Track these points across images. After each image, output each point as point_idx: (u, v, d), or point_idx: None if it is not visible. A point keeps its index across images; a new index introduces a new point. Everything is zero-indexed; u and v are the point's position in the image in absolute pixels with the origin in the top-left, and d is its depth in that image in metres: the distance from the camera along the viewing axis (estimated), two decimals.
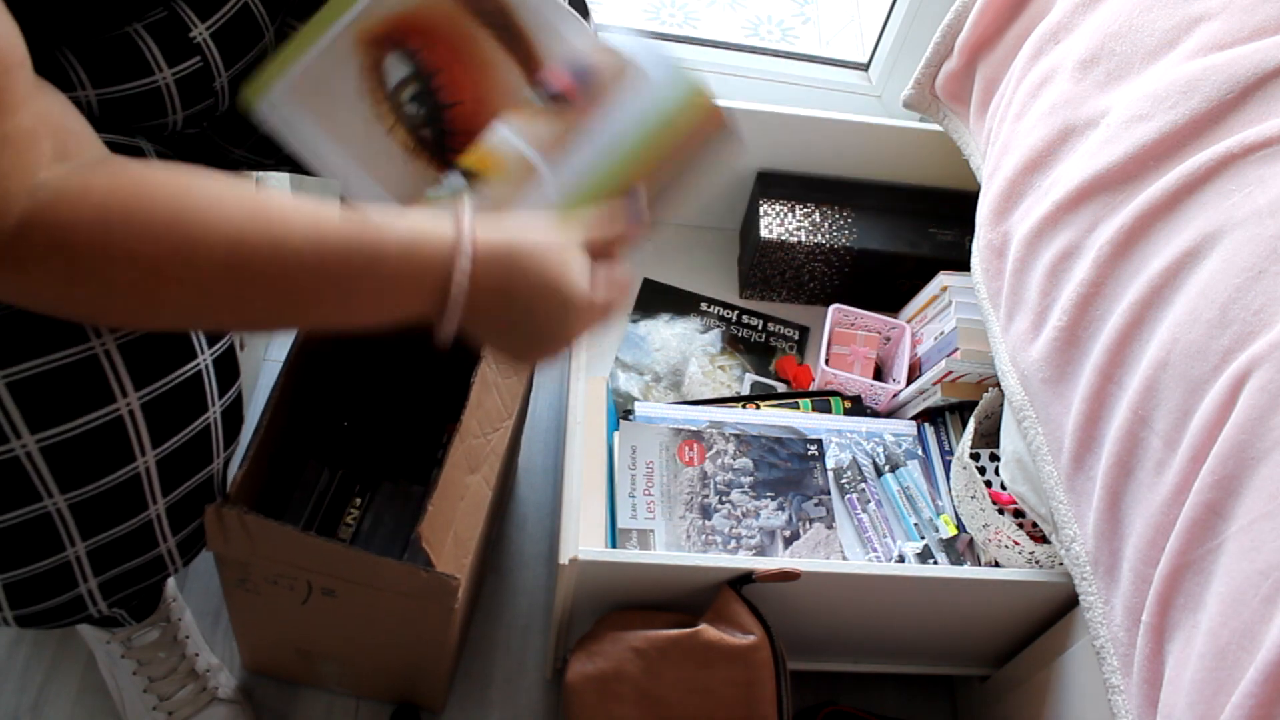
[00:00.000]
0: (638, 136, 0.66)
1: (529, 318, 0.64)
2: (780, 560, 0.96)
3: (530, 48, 0.67)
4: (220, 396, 0.75)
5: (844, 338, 1.31)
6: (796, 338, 1.38)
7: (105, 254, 0.57)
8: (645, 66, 0.67)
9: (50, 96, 0.59)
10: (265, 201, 0.60)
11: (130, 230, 0.57)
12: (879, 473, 1.17)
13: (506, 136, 0.66)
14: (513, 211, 0.64)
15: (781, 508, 1.10)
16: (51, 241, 0.56)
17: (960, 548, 1.11)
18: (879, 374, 1.32)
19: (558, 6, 0.67)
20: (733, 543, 1.06)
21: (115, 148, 0.64)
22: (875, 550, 1.11)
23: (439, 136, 0.68)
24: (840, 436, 1.19)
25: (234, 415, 0.78)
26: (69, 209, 0.56)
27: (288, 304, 0.61)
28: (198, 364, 0.71)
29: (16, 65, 0.55)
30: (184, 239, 0.57)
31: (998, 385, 1.12)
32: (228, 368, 0.76)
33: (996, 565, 1.04)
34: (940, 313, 1.24)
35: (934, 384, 1.20)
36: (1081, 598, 0.86)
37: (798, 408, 1.23)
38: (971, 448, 1.09)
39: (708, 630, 0.93)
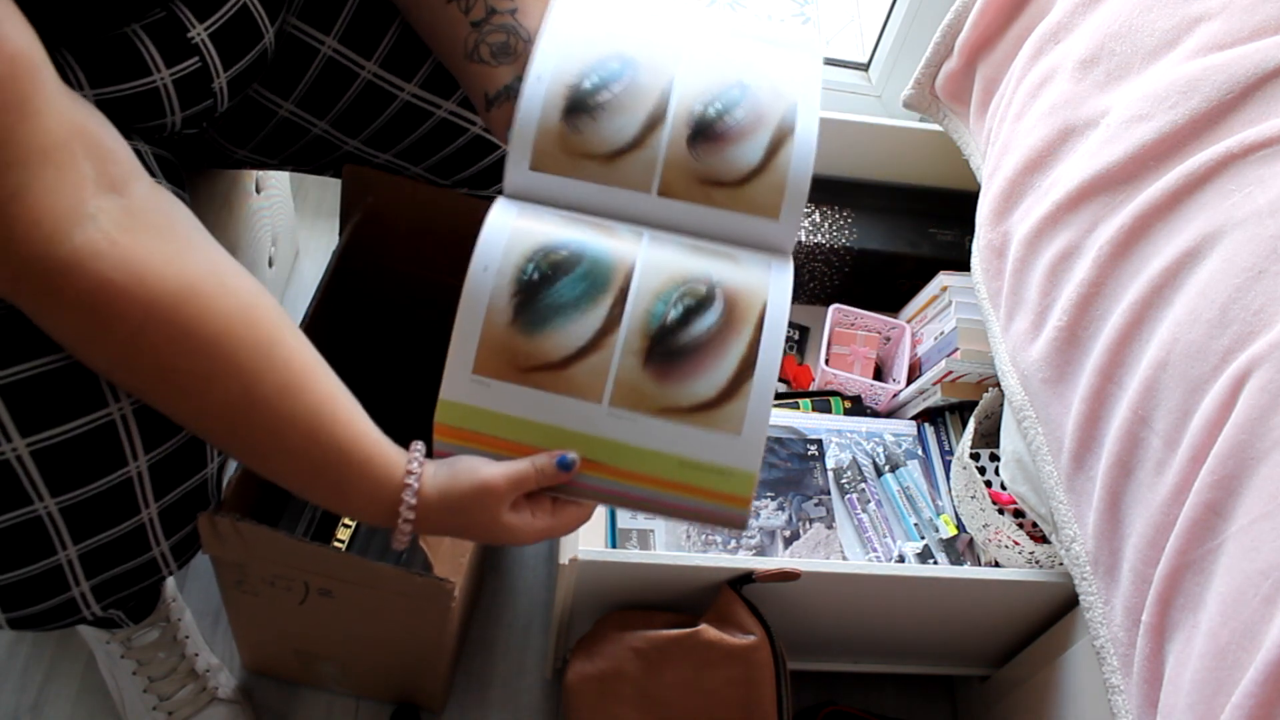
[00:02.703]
0: (681, 461, 0.68)
1: (473, 539, 0.72)
2: (780, 560, 0.96)
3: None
4: None
5: (844, 338, 1.31)
6: (796, 338, 1.38)
7: (136, 339, 0.60)
8: (750, 413, 0.68)
9: (82, 108, 0.59)
10: (289, 358, 0.65)
11: (164, 335, 0.60)
12: (879, 473, 1.17)
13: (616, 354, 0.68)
14: (460, 458, 0.69)
15: (781, 508, 1.10)
16: (94, 299, 0.58)
17: (960, 548, 1.11)
18: (879, 374, 1.32)
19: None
20: (733, 543, 1.06)
21: None
22: (875, 550, 1.11)
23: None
24: (840, 436, 1.19)
25: None
26: (122, 278, 0.58)
27: (262, 457, 0.67)
28: None
29: (40, 67, 0.55)
30: (208, 369, 0.62)
31: (998, 385, 1.12)
32: None
33: (996, 565, 1.04)
34: (940, 313, 1.24)
35: (934, 384, 1.20)
36: (1081, 598, 0.86)
37: (798, 408, 1.23)
38: (971, 448, 1.09)
39: (708, 630, 0.93)
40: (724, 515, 0.69)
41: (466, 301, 0.67)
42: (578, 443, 0.68)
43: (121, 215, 0.58)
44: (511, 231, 0.69)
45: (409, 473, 0.67)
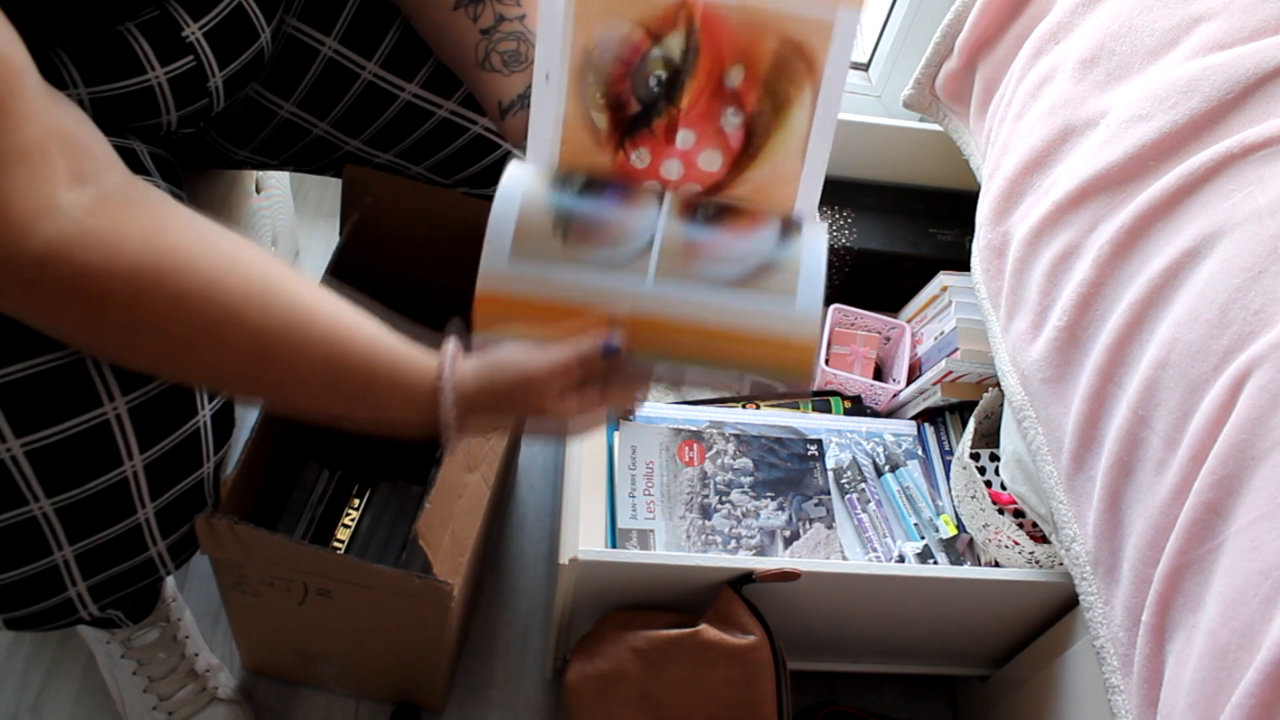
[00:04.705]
0: (737, 322, 0.65)
1: (520, 427, 0.69)
2: (780, 560, 0.96)
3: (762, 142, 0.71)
4: (210, 399, 0.75)
5: (844, 338, 1.31)
6: None
7: (130, 314, 0.59)
8: (802, 280, 0.66)
9: (63, 108, 0.59)
10: (291, 292, 0.63)
11: (159, 301, 0.59)
12: (879, 473, 1.17)
13: (657, 214, 0.68)
14: (501, 344, 0.67)
15: (781, 508, 1.10)
16: (77, 284, 0.57)
17: (960, 548, 1.11)
18: (879, 374, 1.32)
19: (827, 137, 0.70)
20: (733, 543, 1.06)
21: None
22: (875, 550, 1.11)
23: (636, 121, 0.70)
24: (840, 436, 1.19)
25: (225, 419, 0.78)
26: (99, 257, 0.57)
27: (292, 397, 0.65)
28: None
29: (20, 72, 0.54)
30: (210, 324, 0.60)
31: (998, 385, 1.12)
32: None
33: (996, 565, 1.04)
34: (940, 313, 1.24)
35: (934, 384, 1.20)
36: (1081, 598, 0.86)
37: (798, 408, 1.23)
38: (971, 448, 1.09)
39: (708, 630, 0.93)
40: (785, 381, 0.67)
41: (502, 195, 0.67)
42: (623, 320, 0.65)
43: (91, 202, 0.57)
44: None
45: (441, 377, 0.65)
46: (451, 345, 0.66)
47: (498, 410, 0.66)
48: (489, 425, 0.67)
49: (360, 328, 0.65)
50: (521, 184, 0.67)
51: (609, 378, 0.67)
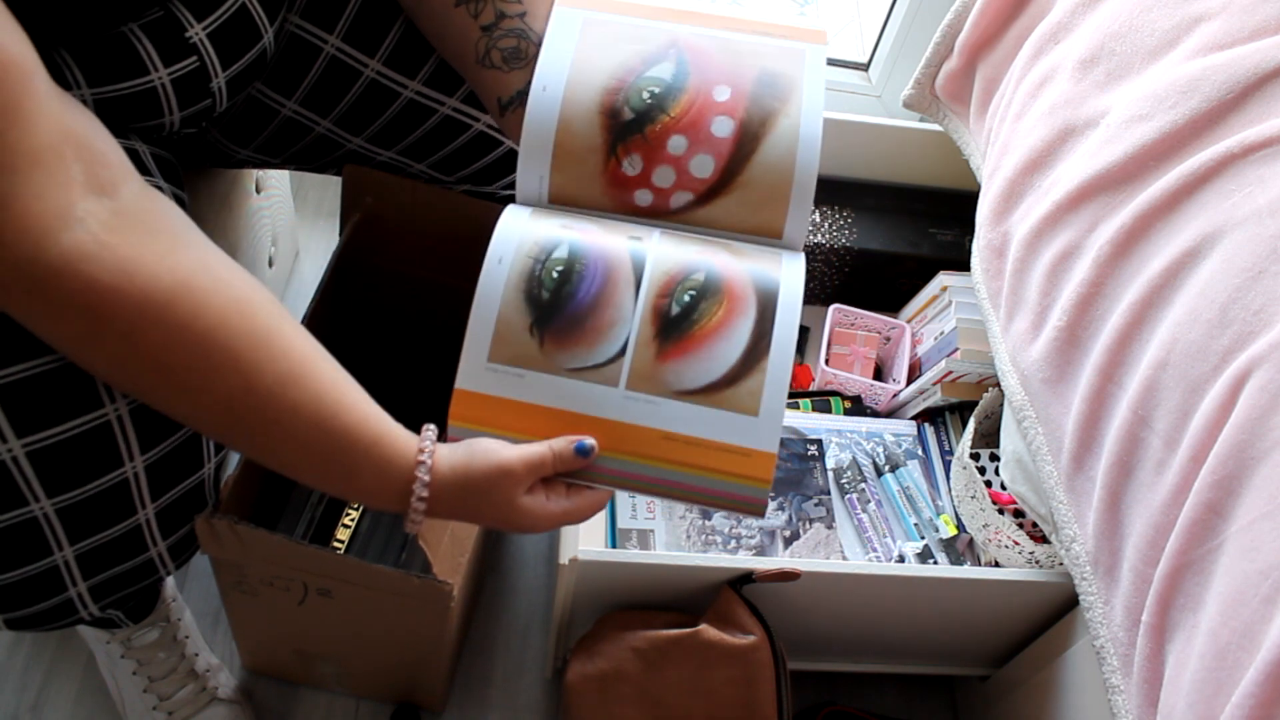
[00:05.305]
0: (702, 431, 0.68)
1: (487, 524, 0.71)
2: (780, 560, 0.96)
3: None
4: None
5: (844, 338, 1.31)
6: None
7: (129, 338, 0.59)
8: (766, 390, 0.69)
9: (75, 112, 0.59)
10: (289, 346, 0.64)
11: (161, 330, 0.59)
12: (879, 473, 1.17)
13: (632, 323, 0.70)
14: (480, 440, 0.69)
15: (781, 508, 1.10)
16: (85, 299, 0.57)
17: (960, 548, 1.11)
18: (879, 374, 1.32)
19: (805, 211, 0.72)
20: (733, 543, 1.06)
21: None
22: (875, 550, 1.11)
23: (629, 127, 0.73)
24: (840, 436, 1.19)
25: None
26: (112, 278, 0.57)
27: (268, 448, 0.66)
28: None
29: (31, 74, 0.54)
30: (205, 362, 0.61)
31: (998, 385, 1.12)
32: None
33: (996, 565, 1.04)
34: (940, 313, 1.24)
35: (934, 384, 1.20)
36: (1081, 598, 0.86)
37: (798, 408, 1.23)
38: (971, 448, 1.09)
39: (708, 630, 0.93)
40: (743, 497, 0.69)
41: (482, 293, 0.69)
42: (595, 427, 0.68)
43: (109, 217, 0.58)
44: (524, 228, 0.71)
45: (421, 452, 0.67)
46: (432, 429, 0.68)
47: (468, 497, 0.67)
48: (457, 509, 0.68)
49: (348, 396, 0.66)
50: (505, 269, 0.70)
51: (578, 477, 0.70)
